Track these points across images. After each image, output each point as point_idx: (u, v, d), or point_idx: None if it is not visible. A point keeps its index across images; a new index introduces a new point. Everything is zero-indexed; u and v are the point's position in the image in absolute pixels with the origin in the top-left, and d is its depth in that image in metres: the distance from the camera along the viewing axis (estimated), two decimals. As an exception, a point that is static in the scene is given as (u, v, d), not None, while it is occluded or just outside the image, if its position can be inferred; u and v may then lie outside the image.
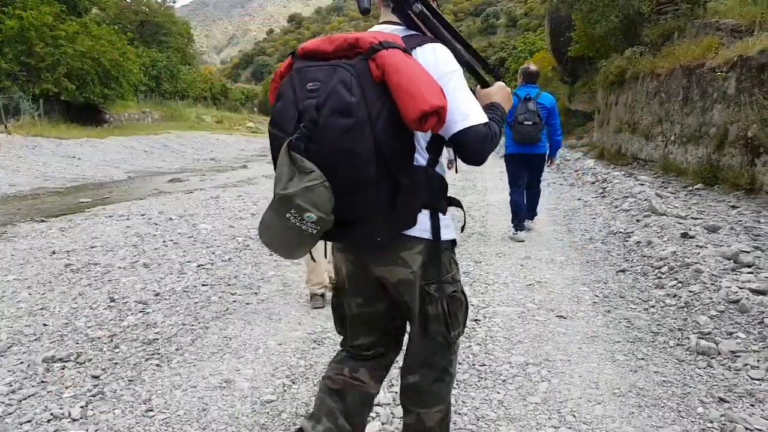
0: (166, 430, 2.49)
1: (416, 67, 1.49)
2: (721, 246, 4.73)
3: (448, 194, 1.74)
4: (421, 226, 1.65)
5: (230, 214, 7.93)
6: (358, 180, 1.48)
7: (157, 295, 4.36)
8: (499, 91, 1.83)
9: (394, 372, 2.97)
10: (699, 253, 4.57)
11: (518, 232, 6.09)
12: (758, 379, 2.74)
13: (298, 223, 1.49)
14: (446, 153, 2.01)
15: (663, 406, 2.58)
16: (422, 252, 1.68)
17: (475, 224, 6.94)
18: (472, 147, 1.59)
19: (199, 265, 5.18)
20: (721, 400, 2.59)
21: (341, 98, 1.46)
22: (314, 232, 1.50)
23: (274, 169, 1.56)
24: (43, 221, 8.04)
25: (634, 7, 12.71)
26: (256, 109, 62.28)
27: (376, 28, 1.76)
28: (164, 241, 6.23)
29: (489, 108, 1.74)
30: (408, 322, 1.85)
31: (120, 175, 15.92)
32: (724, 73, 7.55)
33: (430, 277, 1.70)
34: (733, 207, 6.29)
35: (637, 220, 6.23)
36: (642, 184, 8.32)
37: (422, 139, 1.63)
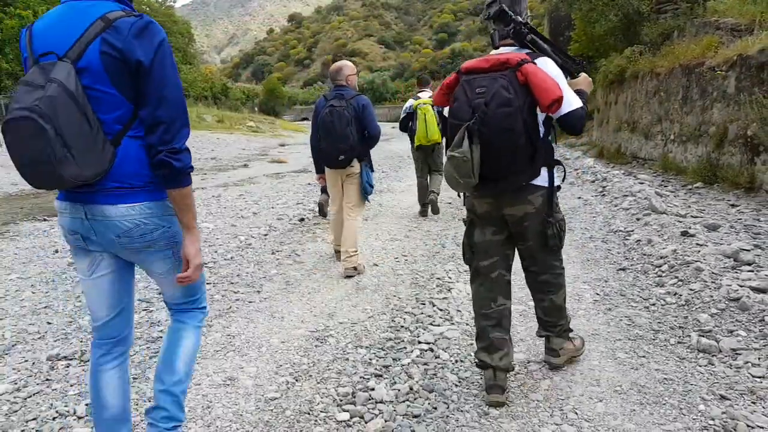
0: (170, 427, 2.50)
1: (544, 73, 2.39)
2: (721, 244, 4.75)
3: None
4: (542, 178, 2.58)
5: (232, 213, 7.95)
6: (514, 147, 2.42)
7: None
8: (583, 81, 2.70)
9: (396, 370, 3.00)
10: (699, 251, 4.59)
11: None
12: (759, 377, 2.75)
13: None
14: None
15: (664, 404, 2.59)
16: (542, 195, 2.60)
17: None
18: (573, 124, 2.48)
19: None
20: (723, 397, 2.61)
21: (503, 96, 2.37)
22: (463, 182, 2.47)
23: (446, 148, 2.60)
24: (45, 220, 8.05)
25: (633, 6, 12.70)
26: (256, 109, 62.18)
27: (501, 50, 2.65)
28: (166, 240, 6.24)
29: (578, 92, 2.56)
30: (517, 251, 2.81)
31: (120, 174, 15.91)
32: (723, 72, 7.56)
33: (548, 210, 2.61)
34: (733, 205, 6.30)
35: (637, 219, 6.25)
36: (642, 183, 8.34)
37: (540, 119, 2.51)
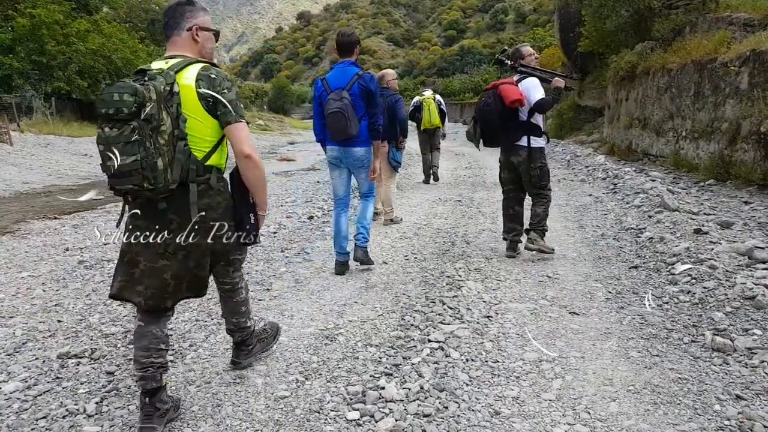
0: (180, 425, 2.50)
1: (510, 89, 4.82)
2: (734, 242, 4.69)
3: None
4: (524, 141, 4.96)
5: (241, 212, 7.94)
6: (494, 126, 4.96)
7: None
8: (555, 83, 4.91)
9: (406, 369, 2.98)
10: (712, 249, 4.53)
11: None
12: (775, 376, 2.71)
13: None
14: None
15: (679, 404, 2.56)
16: (525, 151, 4.95)
17: (485, 220, 6.92)
18: (538, 109, 4.86)
19: (210, 262, 5.18)
20: (738, 397, 2.57)
21: (488, 102, 4.97)
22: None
23: (480, 126, 5.12)
24: (55, 218, 8.10)
25: (644, 2, 12.56)
26: (265, 107, 62.28)
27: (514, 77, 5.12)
28: (176, 238, 6.25)
29: (555, 89, 4.91)
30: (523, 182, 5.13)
31: (130, 172, 15.96)
32: (736, 67, 7.47)
33: (532, 161, 4.94)
34: (746, 203, 6.23)
35: (649, 216, 6.18)
36: (653, 180, 8.25)
37: (525, 110, 4.92)
